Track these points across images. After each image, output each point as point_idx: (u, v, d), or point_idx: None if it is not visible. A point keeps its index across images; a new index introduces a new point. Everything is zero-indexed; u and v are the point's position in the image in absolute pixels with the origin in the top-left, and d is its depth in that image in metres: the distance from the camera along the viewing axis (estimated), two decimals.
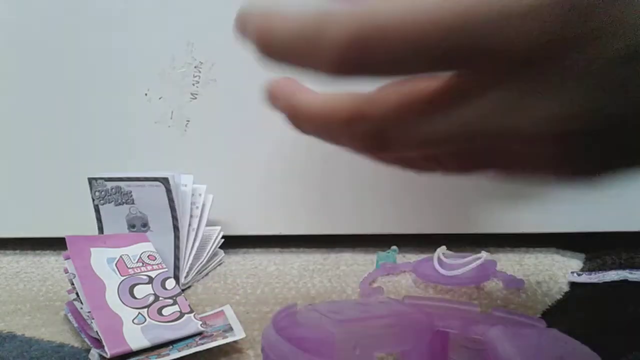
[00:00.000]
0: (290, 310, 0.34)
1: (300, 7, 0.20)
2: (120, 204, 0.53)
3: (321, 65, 0.20)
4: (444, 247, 0.53)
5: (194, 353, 0.39)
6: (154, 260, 0.48)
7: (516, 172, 0.25)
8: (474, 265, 0.49)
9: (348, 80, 0.20)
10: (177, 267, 0.52)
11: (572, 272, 0.51)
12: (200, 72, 0.57)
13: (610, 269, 0.50)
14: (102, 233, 0.54)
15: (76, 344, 0.43)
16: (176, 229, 0.52)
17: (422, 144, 0.22)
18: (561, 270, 0.53)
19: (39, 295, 0.53)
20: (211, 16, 0.55)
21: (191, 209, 0.54)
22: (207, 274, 0.56)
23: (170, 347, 0.40)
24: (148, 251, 0.49)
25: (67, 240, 0.46)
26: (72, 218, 0.60)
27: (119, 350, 0.39)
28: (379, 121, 0.22)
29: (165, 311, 0.43)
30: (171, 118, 0.59)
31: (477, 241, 0.59)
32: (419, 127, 0.21)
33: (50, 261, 0.62)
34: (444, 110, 0.21)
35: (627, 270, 0.49)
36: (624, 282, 0.48)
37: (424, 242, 0.59)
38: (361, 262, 0.57)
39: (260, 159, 0.59)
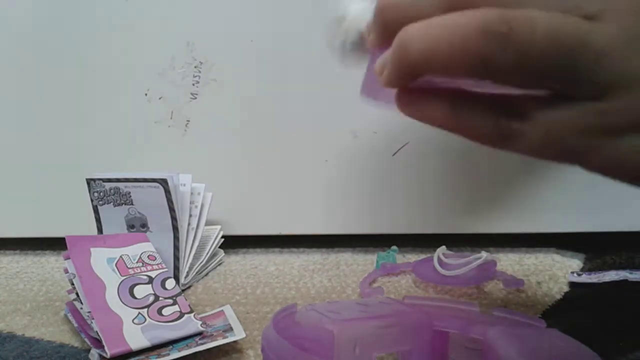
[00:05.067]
0: (290, 310, 0.34)
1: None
2: (119, 205, 0.53)
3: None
4: (444, 247, 0.53)
5: (194, 353, 0.39)
6: (154, 260, 0.48)
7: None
8: (474, 265, 0.49)
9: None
10: (176, 267, 0.52)
11: (572, 272, 0.51)
12: (200, 72, 0.57)
13: (610, 269, 0.50)
14: (102, 233, 0.54)
15: (76, 344, 0.43)
16: (175, 229, 0.52)
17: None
18: (561, 270, 0.53)
19: (39, 295, 0.53)
20: (211, 16, 0.55)
21: (190, 208, 0.54)
22: (207, 274, 0.56)
23: (170, 347, 0.40)
24: (148, 251, 0.49)
25: (67, 240, 0.46)
26: (72, 218, 0.60)
27: (119, 350, 0.39)
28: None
29: (165, 311, 0.43)
30: (171, 118, 0.59)
31: (477, 241, 0.59)
32: None
33: (50, 261, 0.62)
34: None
35: (627, 270, 0.49)
36: (624, 282, 0.48)
37: (424, 242, 0.59)
38: (361, 262, 0.57)
39: (261, 159, 0.59)
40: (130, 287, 0.45)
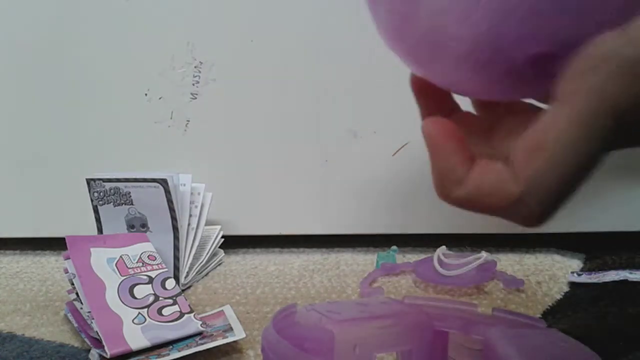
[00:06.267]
0: (290, 310, 0.34)
1: None
2: (119, 205, 0.53)
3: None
4: (444, 247, 0.53)
5: (194, 353, 0.39)
6: (154, 260, 0.48)
7: None
8: (474, 265, 0.49)
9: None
10: (176, 267, 0.52)
11: (572, 272, 0.51)
12: (200, 72, 0.57)
13: (610, 269, 0.51)
14: (102, 233, 0.54)
15: (76, 344, 0.43)
16: (175, 229, 0.52)
17: None
18: (561, 270, 0.53)
19: (39, 295, 0.53)
20: (211, 16, 0.55)
21: (190, 208, 0.54)
22: (207, 274, 0.56)
23: (170, 347, 0.40)
24: (148, 251, 0.49)
25: (67, 240, 0.46)
26: (72, 218, 0.60)
27: (119, 350, 0.39)
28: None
29: (165, 311, 0.43)
30: (171, 118, 0.59)
31: (477, 241, 0.59)
32: None
33: (50, 261, 0.62)
34: None
35: (627, 270, 0.49)
36: (624, 282, 0.48)
37: (424, 242, 0.59)
38: (361, 262, 0.57)
39: (261, 159, 0.59)
40: (130, 287, 0.45)
